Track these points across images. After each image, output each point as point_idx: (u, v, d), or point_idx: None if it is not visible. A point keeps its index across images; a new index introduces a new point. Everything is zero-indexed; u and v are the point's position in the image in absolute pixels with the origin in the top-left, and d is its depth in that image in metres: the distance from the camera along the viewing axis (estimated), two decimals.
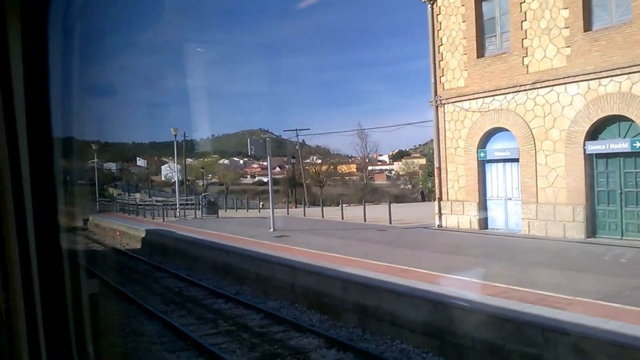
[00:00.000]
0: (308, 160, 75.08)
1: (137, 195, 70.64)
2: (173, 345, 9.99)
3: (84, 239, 29.42)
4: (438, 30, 20.31)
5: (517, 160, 17.69)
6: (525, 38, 17.04)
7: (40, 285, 1.62)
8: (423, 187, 56.81)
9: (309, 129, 62.94)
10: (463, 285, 10.26)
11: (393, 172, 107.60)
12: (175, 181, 53.21)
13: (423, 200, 47.99)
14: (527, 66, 17.05)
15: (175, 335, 10.58)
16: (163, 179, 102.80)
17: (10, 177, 1.59)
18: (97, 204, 46.89)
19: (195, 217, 32.43)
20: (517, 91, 17.36)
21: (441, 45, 20.19)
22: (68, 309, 1.69)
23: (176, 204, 37.19)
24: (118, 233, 28.71)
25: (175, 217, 33.13)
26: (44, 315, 1.63)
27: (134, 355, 9.46)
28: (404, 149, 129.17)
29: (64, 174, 1.84)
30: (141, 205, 40.40)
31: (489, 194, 18.95)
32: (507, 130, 17.98)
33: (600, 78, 15.12)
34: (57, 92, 1.65)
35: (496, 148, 18.50)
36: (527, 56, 17.05)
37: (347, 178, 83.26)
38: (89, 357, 1.80)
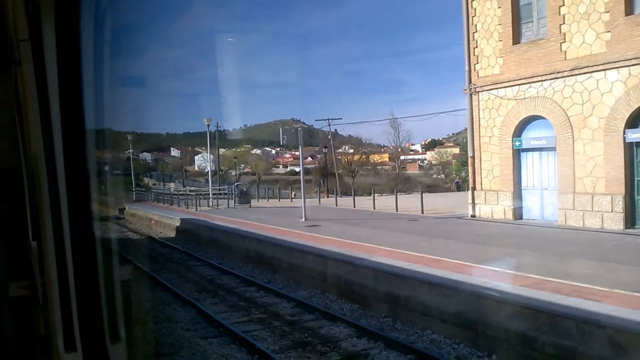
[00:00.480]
0: (340, 150, 75.09)
1: (172, 185, 71.94)
2: (206, 332, 10.16)
3: (119, 227, 30.14)
4: (472, 17, 19.91)
5: (553, 149, 17.27)
6: (564, 23, 16.55)
7: (75, 272, 1.66)
8: (458, 177, 56.13)
9: (341, 119, 63.09)
10: (496, 276, 10.10)
11: (426, 162, 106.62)
12: (208, 171, 53.88)
13: (458, 190, 47.34)
14: (565, 52, 16.58)
15: (208, 322, 10.75)
16: (197, 168, 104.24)
17: (45, 167, 1.63)
18: (133, 193, 47.88)
19: (228, 206, 32.79)
20: (555, 78, 16.90)
21: (476, 32, 19.80)
22: (101, 294, 1.72)
23: (209, 194, 37.65)
24: (153, 222, 29.28)
25: (208, 206, 33.57)
26: (77, 300, 1.67)
27: (168, 341, 9.64)
28: (437, 138, 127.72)
29: (100, 164, 1.88)
30: (175, 194, 41.12)
31: (524, 184, 18.57)
32: (543, 118, 17.56)
33: None
34: (91, 84, 1.68)
35: (532, 136, 18.10)
36: (565, 42, 16.56)
37: (379, 168, 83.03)
38: (121, 341, 1.83)
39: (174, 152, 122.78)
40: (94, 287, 1.70)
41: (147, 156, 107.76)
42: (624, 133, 15.08)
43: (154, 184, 76.12)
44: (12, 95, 3.26)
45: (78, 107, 1.64)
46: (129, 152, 57.12)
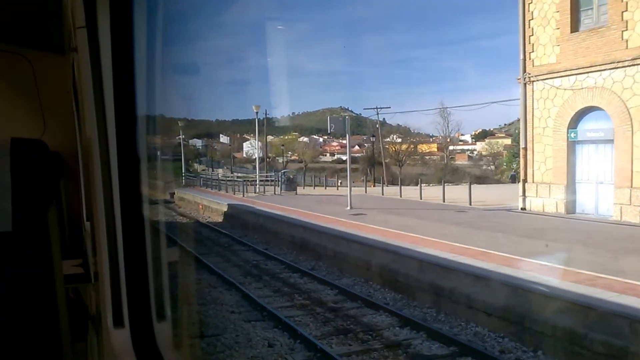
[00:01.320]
0: (388, 139, 74.44)
1: (220, 171, 73.24)
2: (250, 315, 10.33)
3: (169, 211, 30.95)
4: (529, 4, 19.28)
5: (611, 141, 16.60)
6: (626, 10, 15.79)
7: (124, 252, 1.72)
8: (513, 169, 54.71)
9: (389, 107, 62.43)
10: (545, 270, 9.83)
11: (475, 153, 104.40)
12: (256, 158, 54.55)
13: (513, 182, 46.11)
14: (627, 41, 15.85)
15: (252, 305, 10.93)
16: (244, 155, 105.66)
17: (99, 151, 1.70)
18: (183, 178, 49.00)
19: (275, 193, 33.12)
20: (615, 68, 16.20)
21: (532, 19, 19.17)
22: (149, 274, 1.78)
23: (256, 180, 38.12)
24: (201, 207, 29.91)
25: (255, 192, 34.00)
26: (127, 279, 1.73)
27: (213, 323, 9.87)
28: (487, 129, 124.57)
29: (151, 149, 1.93)
30: (223, 180, 41.81)
31: (578, 177, 17.95)
32: (601, 109, 16.88)
33: None
34: (143, 71, 1.73)
35: (588, 128, 17.45)
36: (627, 30, 15.83)
37: (427, 158, 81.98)
38: (166, 320, 1.88)
39: (223, 139, 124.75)
40: (142, 267, 1.76)
41: (197, 142, 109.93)
42: None
43: (203, 170, 77.70)
44: (70, 80, 3.38)
45: (130, 93, 1.69)
46: (180, 138, 58.39)
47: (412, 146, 75.28)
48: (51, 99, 4.31)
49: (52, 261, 2.50)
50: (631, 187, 15.80)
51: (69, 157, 4.03)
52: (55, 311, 2.52)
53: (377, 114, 62.57)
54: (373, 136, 63.00)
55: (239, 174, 59.35)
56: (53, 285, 2.51)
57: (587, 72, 17.12)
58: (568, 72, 17.75)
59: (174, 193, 37.68)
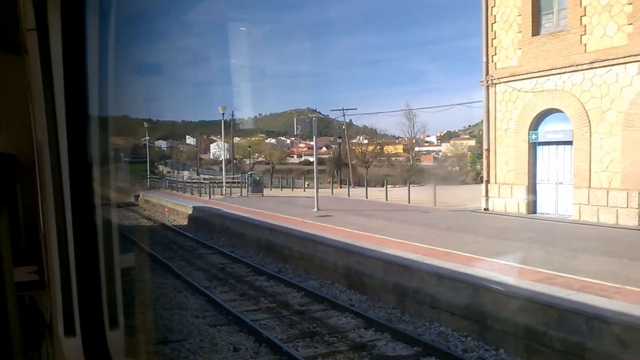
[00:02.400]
0: (354, 140, 74.92)
1: (186, 173, 72.39)
2: (215, 320, 10.23)
3: (133, 214, 30.44)
4: (492, 7, 19.63)
5: (570, 142, 17.04)
6: (585, 15, 16.24)
7: (76, 258, 1.69)
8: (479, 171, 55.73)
9: (356, 109, 62.88)
10: (507, 270, 10.02)
11: (441, 154, 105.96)
12: (222, 159, 54.15)
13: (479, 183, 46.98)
14: (585, 45, 16.28)
15: (217, 310, 10.82)
16: (211, 157, 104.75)
17: (49, 154, 1.67)
18: (148, 180, 48.29)
19: (241, 195, 32.93)
20: (574, 71, 16.64)
21: (494, 22, 19.53)
22: (102, 280, 1.75)
23: (223, 182, 37.82)
24: (166, 209, 29.52)
25: (221, 194, 33.73)
26: (78, 286, 1.70)
27: (177, 328, 9.73)
28: (452, 130, 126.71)
29: (113, 151, 1.90)
30: (189, 182, 41.36)
31: (539, 178, 18.37)
32: (561, 111, 17.31)
33: None
34: (97, 74, 1.70)
35: (549, 130, 17.87)
36: (585, 34, 16.27)
37: (393, 159, 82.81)
38: (119, 328, 1.85)
39: (189, 140, 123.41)
40: (94, 273, 1.73)
41: (162, 144, 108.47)
42: None
43: (169, 172, 76.70)
44: (26, 82, 3.30)
45: (83, 95, 1.66)
46: (145, 140, 57.62)
47: (378, 147, 75.95)
48: (6, 100, 4.20)
49: (2, 267, 2.42)
50: (589, 187, 16.25)
51: (25, 160, 3.92)
52: (6, 320, 2.44)
53: (344, 115, 62.93)
54: (340, 137, 63.28)
55: (206, 176, 58.87)
56: (3, 292, 2.43)
57: (548, 75, 17.53)
58: (529, 75, 18.15)
59: (139, 195, 37.11)
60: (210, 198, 30.74)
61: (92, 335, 1.71)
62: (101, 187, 1.76)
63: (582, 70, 16.39)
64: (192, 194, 34.57)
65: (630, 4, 14.95)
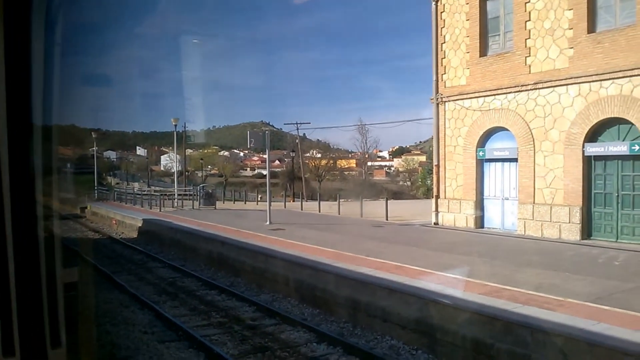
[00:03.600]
0: (308, 154, 75.20)
1: (136, 184, 70.78)
2: (164, 336, 9.99)
3: (79, 226, 29.46)
4: (441, 28, 20.23)
5: (515, 160, 17.66)
6: (529, 38, 16.96)
7: (16, 273, 1.63)
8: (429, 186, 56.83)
9: (309, 123, 63.26)
10: (455, 283, 10.24)
11: (393, 169, 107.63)
12: (174, 171, 53.22)
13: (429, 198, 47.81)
14: (530, 66, 16.99)
15: (166, 325, 10.58)
16: (162, 168, 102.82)
17: None
18: (96, 192, 46.90)
19: (193, 207, 32.43)
20: (519, 91, 17.30)
21: (444, 42, 20.12)
22: (43, 298, 1.69)
23: (174, 195, 37.16)
24: (114, 222, 28.72)
25: (173, 207, 33.12)
26: (18, 304, 1.63)
27: (124, 344, 9.44)
28: (404, 146, 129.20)
29: (58, 162, 1.84)
30: (139, 194, 40.42)
31: (486, 193, 18.92)
32: (506, 129, 17.93)
33: (601, 80, 15.06)
34: (42, 83, 1.66)
35: (495, 147, 18.46)
36: (529, 56, 16.97)
37: (346, 173, 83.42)
38: (62, 346, 1.79)
39: (140, 151, 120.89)
40: (35, 289, 1.67)
41: (111, 154, 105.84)
42: (583, 147, 15.54)
43: (118, 183, 74.78)
44: None
45: (26, 104, 1.62)
46: (93, 150, 56.04)
47: (331, 161, 76.40)
48: None
49: None
50: (533, 203, 16.86)
51: None
52: None
53: (297, 129, 63.05)
54: (293, 151, 63.35)
55: (157, 188, 57.66)
56: None
57: (494, 95, 18.15)
58: (477, 94, 18.74)
59: (86, 207, 35.96)
60: (160, 210, 30.13)
61: (32, 355, 1.66)
62: (45, 198, 1.72)
63: (526, 90, 17.07)
64: (142, 206, 33.77)
65: (571, 29, 15.73)
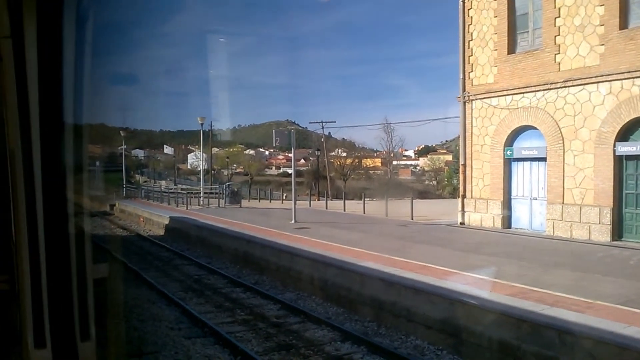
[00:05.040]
0: (333, 153, 75.13)
1: (163, 182, 71.68)
2: (190, 332, 10.11)
3: (108, 223, 29.98)
4: (469, 25, 20.00)
5: (544, 159, 17.36)
6: (558, 35, 16.64)
7: (47, 268, 1.67)
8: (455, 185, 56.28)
9: (334, 122, 63.15)
10: (482, 284, 10.13)
11: (418, 168, 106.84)
12: (200, 170, 53.76)
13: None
14: (559, 64, 16.67)
15: (192, 322, 10.70)
16: (189, 167, 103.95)
17: (22, 163, 1.65)
18: (124, 190, 47.67)
19: (219, 206, 32.71)
20: (548, 89, 17.00)
21: (471, 40, 19.88)
22: (73, 292, 1.73)
23: (200, 193, 37.55)
24: (142, 219, 29.15)
25: (199, 205, 33.47)
26: (49, 297, 1.68)
27: (151, 340, 9.59)
28: (430, 145, 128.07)
29: (89, 160, 1.88)
30: (166, 192, 40.95)
31: (513, 193, 18.65)
32: (535, 128, 17.64)
33: (634, 78, 14.68)
34: (73, 82, 1.70)
35: (523, 146, 18.19)
36: (559, 53, 16.66)
37: (371, 172, 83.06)
38: (91, 340, 1.83)
39: (167, 150, 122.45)
40: (66, 284, 1.71)
41: (139, 153, 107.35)
42: (614, 146, 15.19)
43: (145, 181, 75.84)
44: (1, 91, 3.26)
45: (58, 104, 1.65)
46: (121, 149, 56.96)
47: (356, 160, 76.19)
48: None
49: None
50: (562, 203, 16.56)
51: None
52: None
53: (323, 128, 63.16)
54: (318, 150, 63.41)
55: (183, 186, 58.33)
56: None
57: (523, 93, 17.87)
58: (505, 92, 18.48)
59: (114, 205, 36.59)
60: (187, 208, 30.47)
61: (63, 347, 1.70)
62: (75, 195, 1.75)
63: (555, 88, 16.76)
64: (169, 204, 34.23)
65: (603, 25, 15.38)
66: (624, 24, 15.07)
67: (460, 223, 20.08)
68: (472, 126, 19.89)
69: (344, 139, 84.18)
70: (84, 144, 1.85)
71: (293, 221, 21.26)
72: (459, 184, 22.12)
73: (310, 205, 33.71)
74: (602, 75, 15.41)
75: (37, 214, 1.65)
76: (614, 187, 15.28)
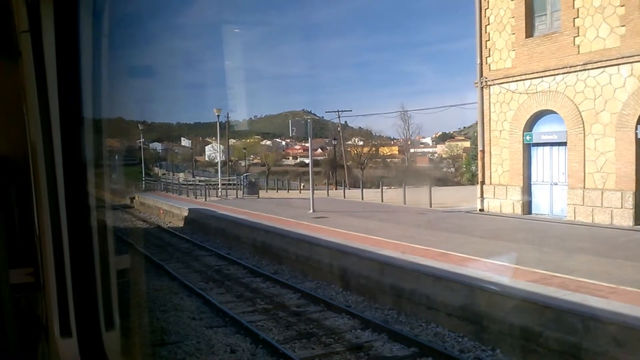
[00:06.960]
0: (350, 142, 75.06)
1: (181, 174, 72.32)
2: (211, 322, 10.21)
3: (129, 216, 30.36)
4: (485, 9, 19.72)
5: (564, 144, 17.12)
6: (577, 17, 16.32)
7: (71, 260, 1.70)
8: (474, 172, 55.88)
9: (350, 110, 62.89)
10: (502, 270, 10.06)
11: (436, 155, 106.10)
12: (218, 161, 54.07)
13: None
14: (579, 46, 16.37)
15: (214, 312, 10.81)
16: (206, 159, 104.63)
17: (44, 156, 1.68)
18: (143, 182, 48.16)
19: (237, 197, 32.90)
20: (567, 72, 16.72)
21: (488, 24, 19.61)
22: (97, 282, 1.76)
23: (218, 184, 37.79)
24: (161, 211, 29.45)
25: (217, 196, 33.69)
26: (74, 287, 1.71)
27: (174, 330, 9.71)
28: (447, 132, 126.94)
29: (108, 153, 1.90)
30: (184, 184, 41.30)
31: (533, 179, 18.45)
32: (555, 112, 17.39)
33: None
34: (91, 76, 1.71)
35: (543, 131, 17.95)
36: (578, 36, 16.35)
37: (388, 160, 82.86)
38: (115, 328, 1.86)
39: (185, 142, 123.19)
40: (90, 274, 1.74)
41: (157, 146, 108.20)
42: (636, 129, 14.91)
43: (164, 174, 76.55)
44: (19, 84, 3.30)
45: (77, 98, 1.67)
46: (140, 142, 57.51)
47: (373, 149, 76.02)
48: (1, 103, 4.20)
49: None
50: (584, 188, 16.33)
51: (20, 162, 3.93)
52: (2, 322, 2.44)
53: (339, 117, 63.03)
54: (335, 139, 63.35)
55: (201, 178, 58.75)
56: None
57: (542, 77, 17.60)
58: (523, 77, 18.22)
59: (134, 197, 37.03)
60: (205, 200, 30.69)
61: (88, 336, 1.74)
62: (96, 188, 1.77)
63: (575, 71, 16.47)
64: (187, 196, 34.53)
65: (623, 5, 15.04)
66: None
67: (480, 210, 19.93)
68: (490, 112, 19.67)
69: (360, 127, 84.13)
70: (103, 138, 1.87)
71: (311, 211, 21.30)
72: (477, 170, 21.94)
73: (328, 195, 33.74)
74: (623, 57, 15.10)
75: (59, 208, 1.67)
76: (636, 170, 15.01)
